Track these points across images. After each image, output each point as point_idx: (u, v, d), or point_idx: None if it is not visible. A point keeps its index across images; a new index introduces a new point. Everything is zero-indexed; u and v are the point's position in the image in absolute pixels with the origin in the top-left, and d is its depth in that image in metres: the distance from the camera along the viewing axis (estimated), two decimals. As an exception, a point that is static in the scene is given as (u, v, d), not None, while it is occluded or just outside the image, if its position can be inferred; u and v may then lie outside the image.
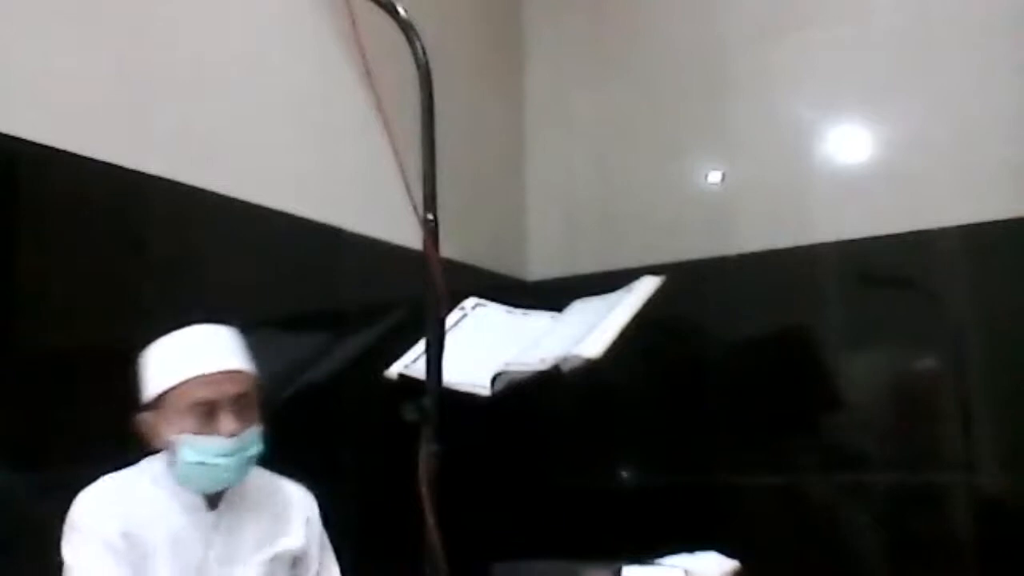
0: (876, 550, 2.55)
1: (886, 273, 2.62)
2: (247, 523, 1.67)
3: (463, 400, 2.08)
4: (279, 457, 1.69)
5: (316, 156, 2.45)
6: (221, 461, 1.59)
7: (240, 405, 1.62)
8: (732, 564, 2.07)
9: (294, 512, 1.75)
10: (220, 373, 1.62)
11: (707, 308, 2.83)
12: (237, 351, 1.67)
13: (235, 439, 1.59)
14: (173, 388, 1.60)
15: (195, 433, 1.58)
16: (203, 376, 1.60)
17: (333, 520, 1.82)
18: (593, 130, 3.20)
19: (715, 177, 2.95)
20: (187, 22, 2.15)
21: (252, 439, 1.63)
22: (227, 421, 1.59)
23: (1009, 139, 2.50)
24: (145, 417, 1.63)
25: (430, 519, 1.46)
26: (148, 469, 1.65)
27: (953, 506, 2.49)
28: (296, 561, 1.72)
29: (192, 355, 1.63)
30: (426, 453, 1.51)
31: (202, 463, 1.59)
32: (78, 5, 1.94)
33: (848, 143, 2.76)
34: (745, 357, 2.76)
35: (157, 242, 2.02)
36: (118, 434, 1.79)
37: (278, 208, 2.29)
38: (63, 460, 1.76)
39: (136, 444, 1.71)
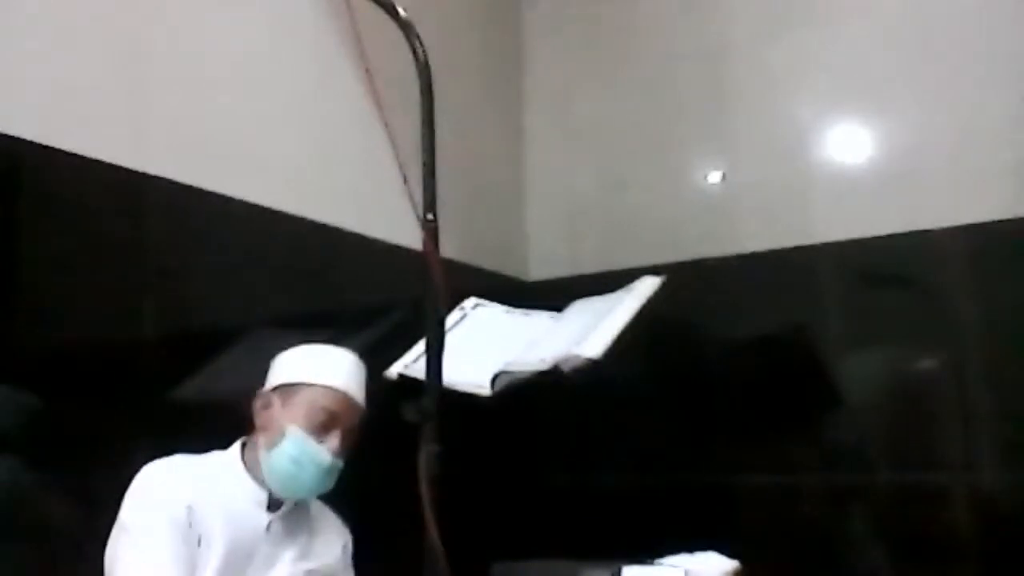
0: (876, 550, 2.55)
1: (886, 273, 2.62)
2: (296, 535, 1.71)
3: (463, 400, 2.08)
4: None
5: (316, 156, 2.45)
6: (311, 469, 1.65)
7: (347, 436, 1.70)
8: (732, 564, 2.07)
9: (334, 537, 1.81)
10: (352, 400, 1.72)
11: (707, 308, 2.82)
12: (363, 388, 1.77)
13: (332, 460, 1.66)
14: (308, 385, 1.68)
15: (308, 432, 1.65)
16: (341, 393, 1.70)
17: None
18: (593, 130, 3.20)
19: (715, 177, 2.95)
20: (187, 22, 2.15)
21: (336, 470, 1.70)
22: (335, 440, 1.67)
23: (1009, 139, 2.50)
24: (269, 395, 1.70)
25: (430, 519, 1.47)
26: (220, 458, 1.71)
27: (953, 506, 2.49)
28: None
29: (336, 368, 1.73)
30: (426, 453, 1.52)
31: (296, 460, 1.64)
32: (78, 5, 1.94)
33: (848, 143, 2.76)
34: (745, 357, 2.76)
35: (157, 242, 2.02)
36: (119, 433, 1.79)
37: (278, 208, 2.28)
38: (63, 460, 1.76)
39: (138, 445, 1.72)
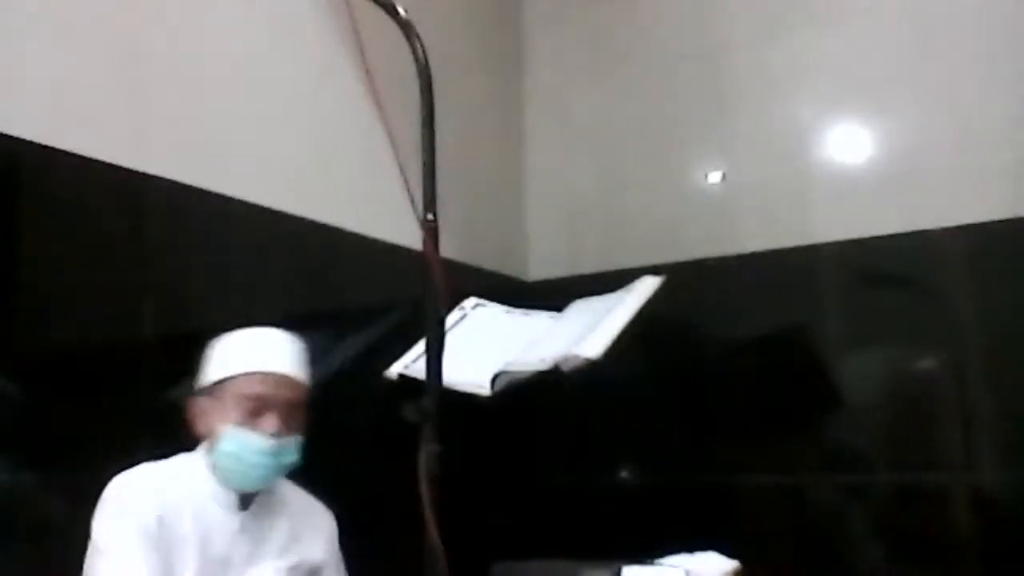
0: (876, 550, 2.55)
1: (886, 273, 2.62)
2: (273, 530, 1.70)
3: (463, 400, 2.08)
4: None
5: (316, 156, 2.46)
6: (256, 459, 1.62)
7: (288, 411, 1.66)
8: (732, 564, 2.07)
9: (318, 527, 1.79)
10: (278, 375, 1.67)
11: (707, 308, 2.82)
12: (297, 360, 1.72)
13: (275, 441, 1.63)
14: (230, 378, 1.65)
15: (239, 425, 1.62)
16: (261, 374, 1.65)
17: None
18: (593, 130, 3.20)
19: (715, 177, 2.95)
20: (187, 22, 2.15)
21: (291, 447, 1.67)
22: (272, 421, 1.64)
23: (1009, 139, 2.50)
24: (199, 401, 1.68)
25: (430, 519, 1.46)
26: (186, 462, 1.68)
27: (953, 506, 2.49)
28: (312, 574, 1.75)
29: (255, 352, 1.69)
30: (426, 453, 1.51)
31: (238, 456, 1.62)
32: (78, 5, 1.94)
33: (848, 143, 2.76)
34: (745, 357, 2.76)
35: (157, 242, 2.02)
36: (120, 433, 1.79)
37: (278, 208, 2.29)
38: (62, 460, 1.76)
39: (138, 445, 1.72)
